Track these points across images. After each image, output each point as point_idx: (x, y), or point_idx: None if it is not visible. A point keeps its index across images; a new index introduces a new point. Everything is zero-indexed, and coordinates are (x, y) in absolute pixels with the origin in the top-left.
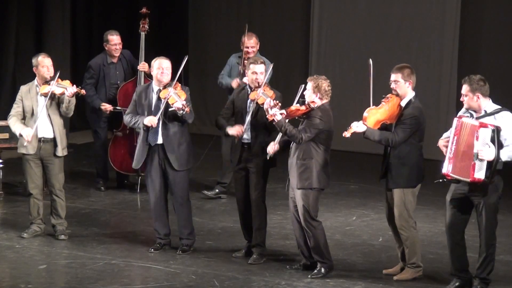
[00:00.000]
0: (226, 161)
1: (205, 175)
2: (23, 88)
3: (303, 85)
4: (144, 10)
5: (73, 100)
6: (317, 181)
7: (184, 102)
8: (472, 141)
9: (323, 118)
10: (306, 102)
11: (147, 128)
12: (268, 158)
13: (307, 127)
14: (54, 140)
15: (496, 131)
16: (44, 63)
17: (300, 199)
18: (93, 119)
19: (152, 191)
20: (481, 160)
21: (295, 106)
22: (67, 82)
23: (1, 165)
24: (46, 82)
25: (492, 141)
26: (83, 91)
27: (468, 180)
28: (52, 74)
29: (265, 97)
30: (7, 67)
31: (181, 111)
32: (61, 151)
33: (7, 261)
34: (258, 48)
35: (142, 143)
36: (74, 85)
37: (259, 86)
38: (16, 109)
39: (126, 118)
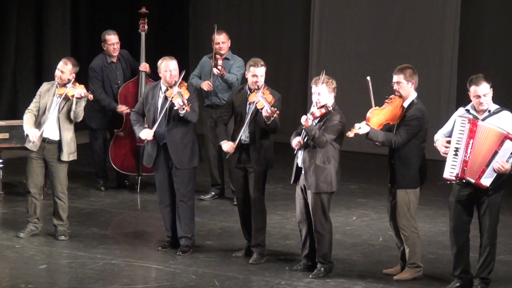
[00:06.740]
0: (213, 162)
1: (198, 179)
2: (44, 86)
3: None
4: (143, 10)
5: (81, 104)
6: (335, 184)
7: (186, 101)
8: (494, 148)
9: (342, 119)
10: (324, 104)
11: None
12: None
13: (328, 130)
14: (59, 143)
15: None
16: (59, 67)
17: (317, 202)
18: (96, 119)
19: (159, 189)
20: (496, 171)
21: (316, 110)
22: (81, 87)
23: (1, 165)
24: (64, 84)
25: None
26: (90, 96)
27: (473, 181)
28: (66, 79)
29: (263, 102)
30: (7, 67)
31: (182, 110)
32: (67, 156)
33: (7, 261)
34: (229, 44)
35: (151, 142)
36: (84, 90)
37: (258, 89)
38: (33, 104)
39: (132, 116)
